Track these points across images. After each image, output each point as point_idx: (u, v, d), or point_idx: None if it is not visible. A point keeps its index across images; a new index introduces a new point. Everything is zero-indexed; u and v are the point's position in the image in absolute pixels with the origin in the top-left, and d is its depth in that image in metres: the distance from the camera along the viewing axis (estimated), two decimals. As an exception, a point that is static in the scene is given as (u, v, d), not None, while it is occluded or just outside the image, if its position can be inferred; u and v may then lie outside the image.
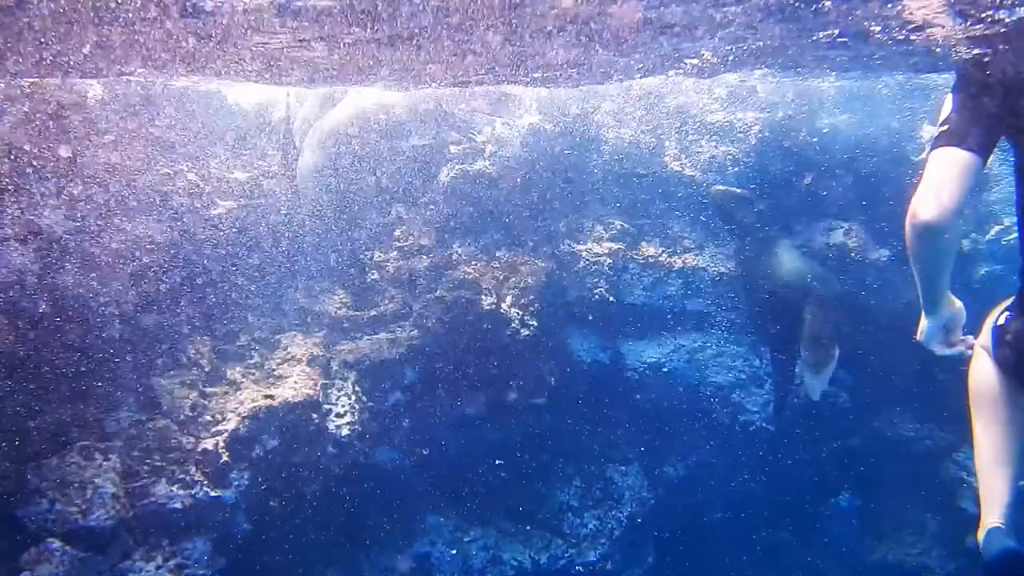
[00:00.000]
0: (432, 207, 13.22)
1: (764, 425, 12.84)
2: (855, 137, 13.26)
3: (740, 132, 13.28)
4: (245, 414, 10.49)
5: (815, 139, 13.05)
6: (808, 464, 13.28)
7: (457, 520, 12.67)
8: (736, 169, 13.16)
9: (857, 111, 13.47)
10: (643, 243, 13.26)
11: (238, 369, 11.33)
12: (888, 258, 12.90)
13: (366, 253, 12.75)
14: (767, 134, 13.19)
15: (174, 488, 9.87)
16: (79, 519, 9.13)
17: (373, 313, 12.35)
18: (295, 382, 11.16)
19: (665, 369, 12.97)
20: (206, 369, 11.14)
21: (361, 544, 11.90)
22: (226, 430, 10.36)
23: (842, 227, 13.03)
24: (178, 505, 9.82)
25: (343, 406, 11.34)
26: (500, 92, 13.18)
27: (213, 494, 10.00)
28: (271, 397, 10.80)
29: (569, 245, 13.18)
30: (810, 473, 13.35)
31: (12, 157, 9.31)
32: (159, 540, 9.81)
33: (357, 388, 11.58)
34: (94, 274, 10.21)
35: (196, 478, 10.00)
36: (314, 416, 10.97)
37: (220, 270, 11.42)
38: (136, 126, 11.03)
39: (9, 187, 9.30)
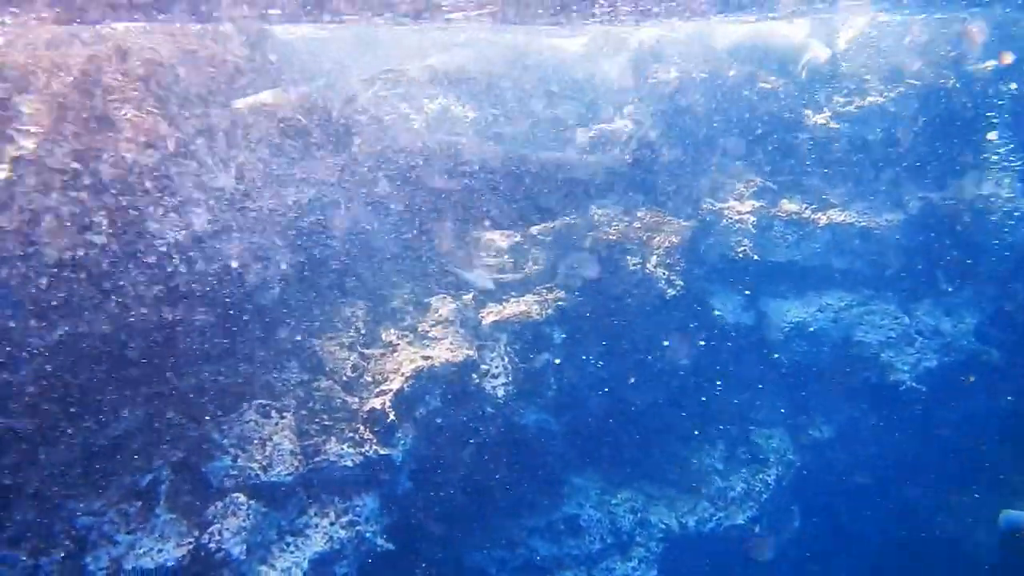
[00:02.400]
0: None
1: (915, 385, 12.46)
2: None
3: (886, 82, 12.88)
4: (408, 374, 10.45)
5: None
6: (959, 425, 12.93)
7: (603, 483, 12.58)
8: (884, 122, 12.77)
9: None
10: (785, 200, 12.98)
11: (393, 331, 11.32)
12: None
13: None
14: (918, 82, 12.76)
15: (344, 447, 9.89)
16: (261, 475, 9.20)
17: (519, 276, 12.25)
18: (451, 343, 11.12)
19: (811, 329, 12.71)
20: (362, 331, 11.16)
21: (512, 504, 11.84)
22: (391, 390, 10.33)
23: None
24: (349, 463, 9.84)
25: (497, 367, 11.28)
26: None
27: (382, 452, 10.00)
28: (430, 358, 10.76)
29: (711, 204, 12.95)
30: (960, 435, 13.00)
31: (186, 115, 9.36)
32: (331, 497, 9.86)
33: (508, 349, 11.51)
34: (256, 237, 10.25)
35: (365, 437, 10.00)
36: (473, 376, 10.93)
37: (375, 232, 11.39)
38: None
39: (183, 150, 9.34)
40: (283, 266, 10.38)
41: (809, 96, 13.30)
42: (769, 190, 13.03)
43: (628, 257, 12.09)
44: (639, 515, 12.34)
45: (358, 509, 9.92)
